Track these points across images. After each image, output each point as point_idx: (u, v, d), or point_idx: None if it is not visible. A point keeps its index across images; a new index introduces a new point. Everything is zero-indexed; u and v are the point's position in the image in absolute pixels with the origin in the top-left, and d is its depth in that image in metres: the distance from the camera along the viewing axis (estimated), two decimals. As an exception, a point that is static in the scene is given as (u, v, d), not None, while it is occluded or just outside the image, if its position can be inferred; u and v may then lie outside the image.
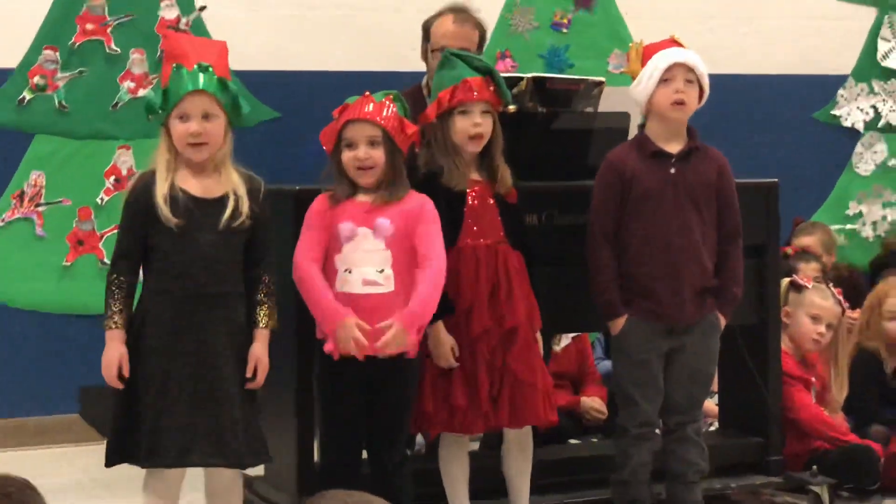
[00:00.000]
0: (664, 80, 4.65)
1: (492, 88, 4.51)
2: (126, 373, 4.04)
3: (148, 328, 4.08)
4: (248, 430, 4.12)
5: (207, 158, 4.10)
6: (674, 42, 4.74)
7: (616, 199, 4.66)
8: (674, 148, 4.69)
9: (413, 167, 4.51)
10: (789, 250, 6.55)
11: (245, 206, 4.10)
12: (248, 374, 4.11)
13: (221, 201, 4.09)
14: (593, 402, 5.95)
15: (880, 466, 5.37)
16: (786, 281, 5.57)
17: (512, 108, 4.63)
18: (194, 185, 4.09)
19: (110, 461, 4.13)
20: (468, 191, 4.50)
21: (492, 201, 4.53)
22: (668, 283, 4.63)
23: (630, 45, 4.84)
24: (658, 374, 4.71)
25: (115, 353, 4.04)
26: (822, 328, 5.51)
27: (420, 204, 4.33)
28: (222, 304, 4.11)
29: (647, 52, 4.73)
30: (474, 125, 4.47)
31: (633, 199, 4.64)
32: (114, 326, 4.05)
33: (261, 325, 4.16)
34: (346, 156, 4.30)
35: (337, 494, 2.43)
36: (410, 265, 4.30)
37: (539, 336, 4.62)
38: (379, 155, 4.28)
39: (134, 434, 4.06)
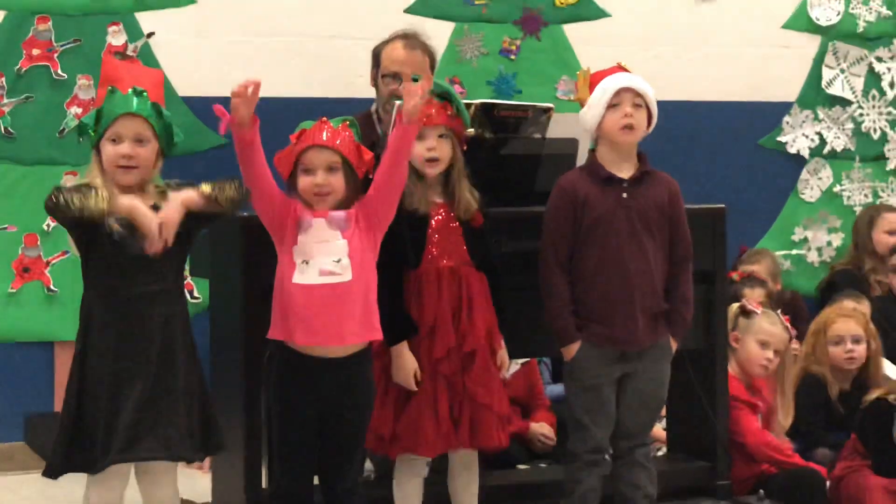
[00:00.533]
0: (612, 104, 4.68)
1: (449, 112, 4.53)
2: None
3: (93, 332, 4.07)
4: (190, 426, 4.10)
5: (135, 182, 4.10)
6: (620, 68, 4.78)
7: (568, 225, 4.68)
8: (625, 173, 4.71)
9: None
10: (735, 276, 6.59)
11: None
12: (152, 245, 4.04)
13: (153, 210, 4.07)
14: (542, 429, 5.95)
15: (826, 489, 5.39)
16: (735, 306, 5.60)
17: (471, 131, 4.64)
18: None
19: (56, 471, 4.08)
20: (431, 213, 4.51)
21: (455, 224, 4.55)
22: (621, 307, 4.65)
23: (578, 72, 4.86)
24: (609, 400, 4.72)
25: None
26: (771, 354, 5.56)
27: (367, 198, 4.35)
28: (164, 301, 4.10)
29: (595, 79, 4.76)
30: (428, 149, 4.49)
31: (585, 225, 4.66)
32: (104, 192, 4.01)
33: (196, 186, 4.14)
34: (304, 181, 4.29)
35: None
36: (368, 252, 4.29)
37: (504, 355, 4.63)
38: (337, 181, 4.27)
39: (81, 443, 4.04)
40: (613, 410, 4.73)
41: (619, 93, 4.68)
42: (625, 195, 4.68)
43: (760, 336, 5.56)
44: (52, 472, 4.10)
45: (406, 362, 4.45)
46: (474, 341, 4.51)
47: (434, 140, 4.50)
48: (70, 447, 4.07)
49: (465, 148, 4.59)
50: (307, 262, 4.24)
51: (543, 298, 4.69)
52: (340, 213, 4.27)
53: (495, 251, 4.69)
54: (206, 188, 4.13)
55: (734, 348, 5.55)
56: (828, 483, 5.42)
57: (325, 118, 4.33)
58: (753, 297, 6.19)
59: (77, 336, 4.16)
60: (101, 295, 4.09)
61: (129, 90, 4.10)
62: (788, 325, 5.68)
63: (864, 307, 6.41)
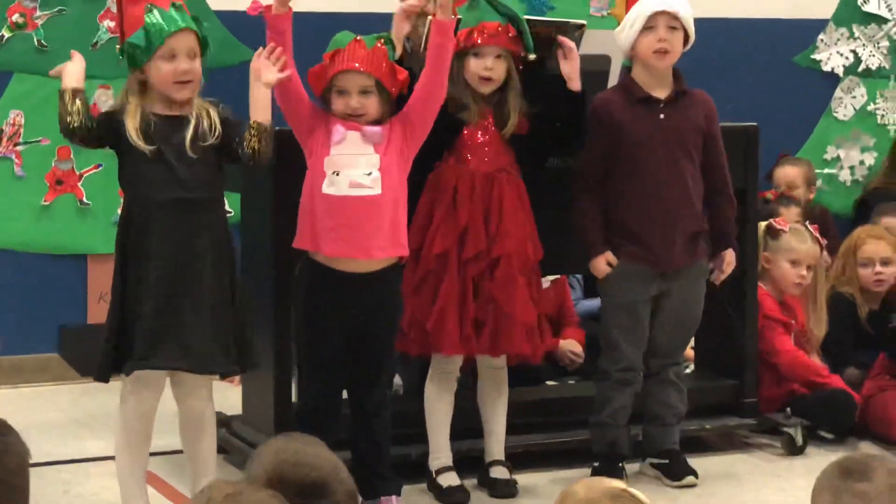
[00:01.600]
0: (647, 27, 4.66)
1: (511, 35, 4.52)
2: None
3: (132, 234, 4.11)
4: (222, 341, 4.14)
5: (189, 97, 4.11)
6: None
7: (601, 147, 4.67)
8: (661, 93, 4.69)
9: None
10: (769, 195, 6.57)
11: (216, 121, 4.13)
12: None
13: (188, 119, 4.10)
14: (571, 346, 5.97)
15: (856, 412, 5.41)
16: (762, 226, 5.59)
17: (532, 56, 4.64)
18: (162, 109, 4.12)
19: (102, 375, 4.15)
20: (470, 124, 4.54)
21: (497, 135, 4.57)
22: (659, 229, 4.66)
23: None
24: (644, 320, 4.74)
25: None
26: (804, 271, 5.53)
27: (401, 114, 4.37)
28: (202, 210, 4.14)
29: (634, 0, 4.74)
30: (485, 68, 4.51)
31: (622, 147, 4.65)
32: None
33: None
34: (338, 103, 4.32)
35: (279, 444, 2.43)
36: (399, 169, 4.33)
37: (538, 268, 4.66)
38: (371, 103, 4.30)
39: (123, 346, 4.09)
40: (647, 329, 4.75)
41: (654, 16, 4.65)
42: (662, 116, 4.66)
43: (791, 255, 5.53)
44: (99, 376, 4.16)
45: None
46: (501, 247, 4.53)
47: (491, 60, 4.53)
48: (113, 350, 4.11)
49: (521, 68, 4.59)
50: (337, 174, 4.26)
51: (574, 216, 4.69)
52: (375, 128, 4.28)
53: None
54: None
55: (766, 269, 5.54)
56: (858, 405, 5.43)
57: (359, 37, 4.32)
58: (789, 216, 6.17)
59: (116, 243, 4.18)
60: (139, 202, 4.12)
61: (170, 6, 4.11)
62: (818, 235, 5.65)
63: None
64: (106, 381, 4.16)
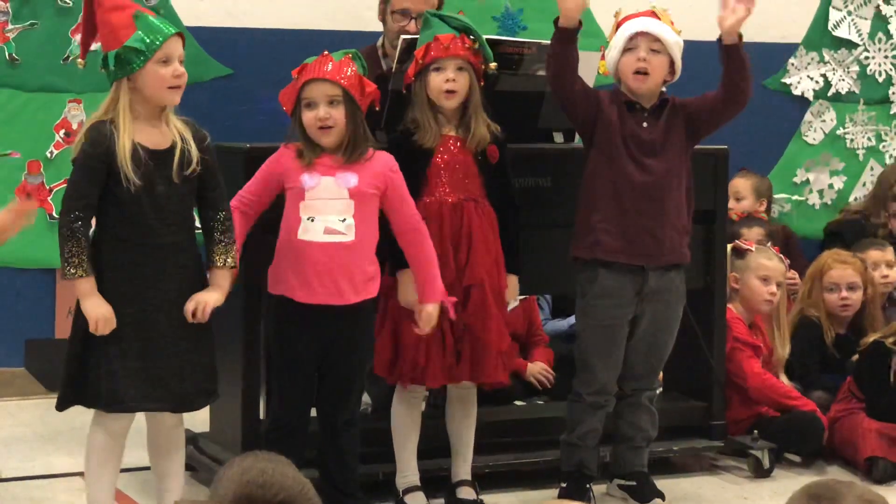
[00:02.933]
0: (628, 48, 4.67)
1: (468, 45, 4.53)
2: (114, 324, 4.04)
3: (104, 273, 4.08)
4: (197, 373, 4.14)
5: (177, 102, 4.12)
6: (653, 14, 4.75)
7: (593, 93, 4.70)
8: (646, 104, 4.70)
9: (377, 125, 4.59)
10: (734, 216, 6.60)
11: (194, 152, 4.10)
12: (188, 316, 4.07)
13: (171, 152, 4.09)
14: (539, 369, 5.97)
15: (824, 434, 5.42)
16: (728, 247, 5.60)
17: (493, 65, 4.64)
18: (147, 138, 4.08)
19: (63, 404, 4.13)
20: (439, 147, 4.53)
21: (467, 158, 4.56)
22: (641, 220, 4.65)
23: (615, 13, 4.84)
24: (621, 342, 4.74)
25: (103, 306, 4.01)
26: (773, 288, 5.56)
27: (387, 171, 4.37)
28: (175, 253, 4.12)
29: (622, 22, 4.75)
30: (446, 81, 4.50)
31: (606, 144, 4.64)
32: (84, 274, 4.01)
33: (217, 264, 4.16)
34: (307, 116, 4.31)
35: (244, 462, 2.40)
36: (371, 217, 4.34)
37: (508, 292, 4.67)
38: (339, 114, 4.29)
39: (87, 377, 4.07)
40: (622, 352, 4.74)
41: (634, 37, 4.67)
42: (645, 124, 4.67)
43: (760, 272, 5.56)
44: (59, 405, 4.14)
45: (408, 288, 4.47)
46: (473, 277, 4.53)
47: (453, 72, 4.52)
48: (77, 381, 4.09)
49: (482, 83, 4.60)
50: (312, 220, 4.28)
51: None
52: (350, 174, 4.28)
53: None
54: (227, 262, 4.16)
55: (735, 289, 5.57)
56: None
57: (326, 51, 4.33)
58: (750, 235, 6.21)
59: None
60: (113, 241, 4.09)
61: (153, 14, 4.12)
62: (781, 256, 5.72)
63: (889, 254, 6.35)
64: (62, 410, 4.14)
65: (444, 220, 4.53)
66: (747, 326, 5.57)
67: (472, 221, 4.55)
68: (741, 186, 6.94)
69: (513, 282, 4.68)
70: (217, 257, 4.16)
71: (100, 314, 4.01)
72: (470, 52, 4.55)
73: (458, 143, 4.57)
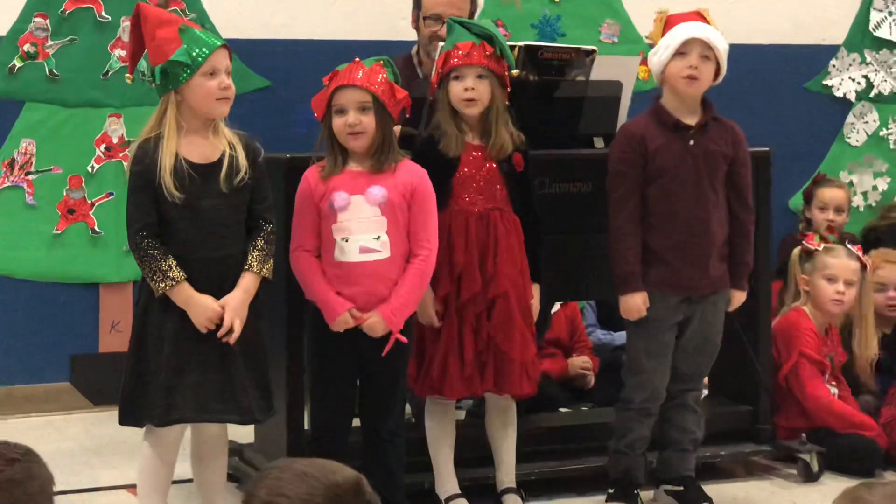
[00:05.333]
0: (680, 53, 4.64)
1: (488, 53, 4.50)
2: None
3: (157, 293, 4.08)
4: (257, 386, 4.16)
5: (225, 114, 4.14)
6: (699, 16, 4.73)
7: (638, 171, 4.63)
8: (691, 120, 4.66)
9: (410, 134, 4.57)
10: (825, 233, 6.45)
11: (242, 160, 4.11)
12: (222, 332, 4.08)
13: (220, 164, 4.10)
14: (581, 362, 5.96)
15: (881, 456, 5.31)
16: (796, 251, 5.52)
17: (515, 72, 4.62)
18: (194, 152, 4.09)
19: (123, 420, 4.15)
20: (462, 157, 4.51)
21: (493, 166, 4.54)
22: (688, 254, 4.62)
23: (656, 12, 4.82)
24: (670, 346, 4.71)
25: (201, 307, 4.04)
26: (841, 286, 5.43)
27: (416, 180, 4.35)
28: (228, 266, 4.13)
29: (670, 22, 4.72)
30: (465, 89, 4.48)
31: (653, 171, 4.62)
32: (173, 283, 4.03)
33: (251, 267, 4.15)
34: (337, 122, 4.31)
35: (291, 464, 2.37)
36: (405, 231, 4.33)
37: (534, 303, 4.62)
38: (369, 120, 4.28)
39: (144, 396, 4.08)
40: (671, 356, 4.71)
41: (687, 42, 4.62)
42: (692, 142, 4.64)
43: (826, 271, 5.43)
44: (121, 420, 4.16)
45: (427, 300, 4.46)
46: (498, 288, 4.51)
47: (472, 80, 4.49)
48: (134, 398, 4.11)
49: (508, 89, 4.57)
50: (347, 240, 4.27)
51: (612, 244, 4.64)
52: (379, 190, 4.27)
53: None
54: (262, 270, 4.16)
55: (806, 291, 5.46)
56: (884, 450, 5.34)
57: (357, 58, 4.33)
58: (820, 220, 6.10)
59: (139, 290, 4.19)
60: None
61: (199, 28, 4.15)
62: (860, 254, 5.54)
63: None
64: (124, 424, 4.18)
65: (470, 230, 4.50)
66: (821, 333, 5.44)
67: (497, 231, 4.53)
68: (841, 199, 6.78)
69: (535, 291, 4.65)
70: (255, 262, 4.15)
71: (202, 319, 4.04)
72: (491, 59, 4.52)
73: (482, 152, 4.55)
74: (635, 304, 4.64)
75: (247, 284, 4.14)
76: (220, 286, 4.11)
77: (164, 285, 4.03)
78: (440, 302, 4.50)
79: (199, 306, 4.05)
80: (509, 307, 4.52)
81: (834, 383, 5.46)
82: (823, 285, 5.44)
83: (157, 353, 4.07)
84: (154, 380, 4.06)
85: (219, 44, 4.11)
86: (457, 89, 4.50)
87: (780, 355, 5.43)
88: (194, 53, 4.06)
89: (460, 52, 4.49)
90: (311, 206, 4.33)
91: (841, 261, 5.46)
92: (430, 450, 4.66)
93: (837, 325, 5.62)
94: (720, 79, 4.72)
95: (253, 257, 4.15)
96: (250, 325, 4.15)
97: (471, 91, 4.48)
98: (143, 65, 4.26)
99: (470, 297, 4.48)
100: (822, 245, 5.52)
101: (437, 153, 4.49)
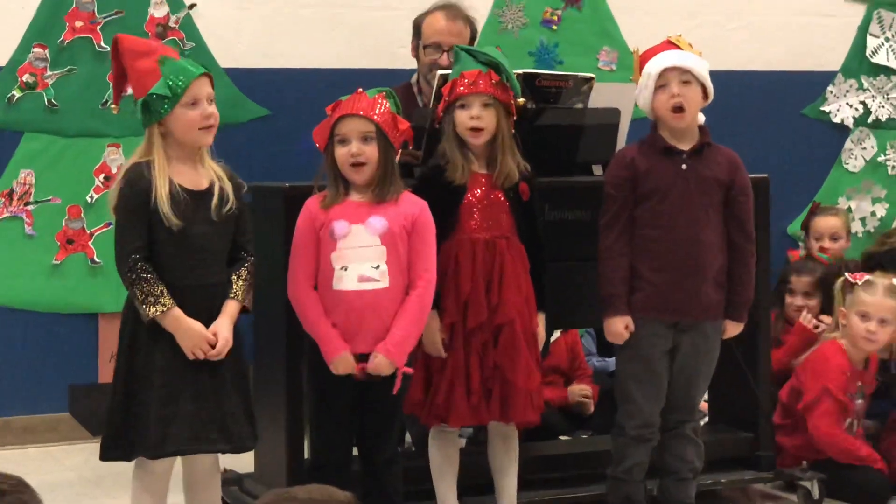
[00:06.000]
0: (660, 86, 4.64)
1: (494, 81, 4.51)
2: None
3: (144, 323, 4.07)
4: (245, 413, 4.16)
5: (210, 143, 4.13)
6: (669, 44, 4.72)
7: (627, 193, 4.63)
8: (685, 145, 4.67)
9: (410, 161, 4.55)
10: (829, 258, 6.41)
11: (231, 193, 4.13)
12: (215, 356, 4.08)
13: (209, 192, 4.11)
14: (581, 389, 5.96)
15: (888, 490, 5.28)
16: (839, 282, 5.45)
17: (521, 101, 4.63)
18: (185, 179, 4.10)
19: (107, 456, 4.12)
20: (469, 185, 4.51)
21: (499, 195, 4.54)
22: (674, 277, 4.61)
23: (633, 51, 4.83)
24: (662, 372, 4.69)
25: (191, 332, 4.03)
26: (873, 325, 5.31)
27: (416, 211, 4.34)
28: (215, 295, 4.13)
29: (644, 59, 4.72)
30: (471, 118, 4.48)
31: (643, 193, 4.62)
32: (163, 309, 4.01)
33: (237, 296, 4.15)
34: (340, 152, 4.30)
35: (292, 492, 2.37)
36: (405, 262, 4.32)
37: (539, 332, 4.61)
38: (372, 151, 4.28)
39: (132, 429, 4.06)
40: (664, 383, 4.70)
41: (663, 73, 4.63)
42: (684, 167, 4.64)
43: (860, 308, 5.33)
44: (102, 456, 4.13)
45: (432, 330, 4.46)
46: (504, 316, 4.50)
47: (478, 109, 4.49)
48: (119, 435, 4.09)
49: (514, 118, 4.58)
50: (346, 269, 4.26)
51: (599, 266, 4.63)
52: (379, 220, 4.27)
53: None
54: (244, 299, 4.18)
55: (843, 324, 5.37)
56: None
57: (360, 88, 4.33)
58: (799, 286, 6.05)
59: (125, 321, 4.18)
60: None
61: (179, 57, 4.13)
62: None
63: None
64: (107, 460, 4.14)
65: (476, 258, 4.50)
66: (858, 366, 5.35)
67: (504, 259, 4.52)
68: (838, 226, 6.70)
69: (540, 320, 4.65)
70: (240, 292, 4.17)
71: (191, 345, 4.03)
72: (497, 88, 4.53)
73: (488, 180, 4.55)
74: (616, 328, 4.64)
75: (232, 312, 4.15)
76: (207, 314, 4.10)
77: (154, 310, 4.01)
78: (446, 330, 4.50)
79: (191, 332, 4.04)
80: (515, 335, 4.51)
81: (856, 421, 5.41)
82: (856, 322, 5.34)
83: (147, 385, 4.05)
84: (145, 412, 4.04)
85: (198, 73, 4.09)
86: (463, 118, 4.50)
87: (803, 382, 5.38)
88: (173, 84, 4.05)
89: (466, 81, 4.49)
90: (312, 236, 4.32)
91: (876, 298, 5.35)
92: (433, 477, 4.65)
93: (886, 354, 5.55)
94: (710, 99, 4.71)
95: (238, 287, 4.16)
96: (236, 352, 4.16)
97: (476, 120, 4.49)
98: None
99: (476, 325, 4.48)
100: (864, 279, 5.40)
101: (443, 181, 4.49)
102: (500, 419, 4.57)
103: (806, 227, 6.84)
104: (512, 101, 4.55)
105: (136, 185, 4.06)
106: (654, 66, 4.64)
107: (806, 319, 5.85)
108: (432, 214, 4.40)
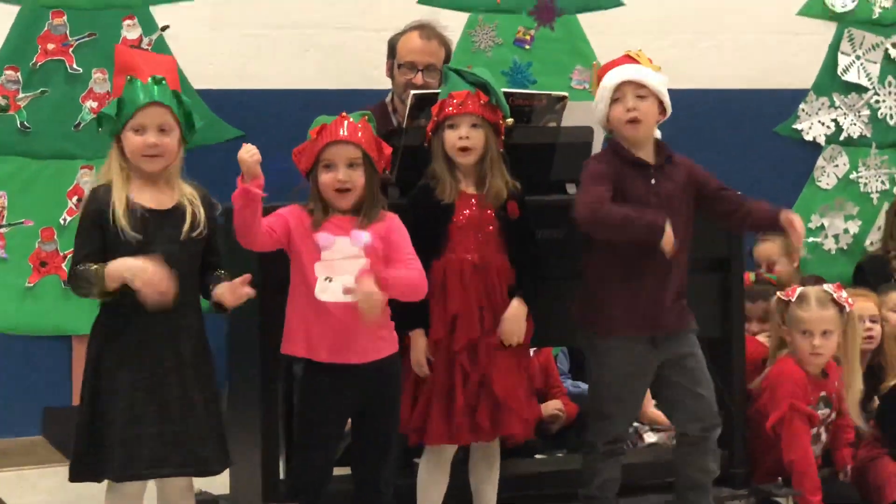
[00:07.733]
0: (615, 99, 4.66)
1: (483, 102, 4.53)
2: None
3: (110, 343, 4.06)
4: (213, 437, 4.13)
5: (161, 170, 4.10)
6: (628, 58, 4.75)
7: (613, 172, 4.61)
8: (649, 159, 4.68)
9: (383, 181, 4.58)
10: (752, 276, 6.47)
11: (202, 215, 4.12)
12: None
13: (175, 212, 4.10)
14: (554, 404, 5.96)
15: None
16: (774, 300, 5.43)
17: (510, 121, 4.65)
18: (148, 198, 4.09)
19: (76, 477, 4.10)
20: (457, 204, 4.53)
21: (488, 214, 4.55)
22: (649, 293, 4.62)
23: (593, 65, 4.85)
24: (640, 391, 4.70)
25: (128, 263, 3.97)
26: (817, 340, 5.25)
27: (387, 220, 4.35)
28: (181, 315, 4.10)
29: (602, 72, 4.75)
30: (459, 138, 4.50)
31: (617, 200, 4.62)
32: (96, 273, 3.98)
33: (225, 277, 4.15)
34: (325, 177, 4.29)
35: None
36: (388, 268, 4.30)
37: (517, 313, 4.60)
38: (358, 177, 4.28)
39: (100, 450, 4.04)
40: (640, 402, 4.71)
41: (619, 87, 4.65)
42: (653, 181, 4.65)
43: (800, 326, 5.28)
44: (72, 477, 4.12)
45: (418, 349, 4.45)
46: (493, 336, 4.53)
47: (466, 129, 4.52)
48: (86, 457, 4.08)
49: (503, 137, 4.59)
50: (330, 280, 4.25)
51: (618, 229, 4.54)
52: (363, 233, 4.26)
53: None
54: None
55: (789, 342, 5.34)
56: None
57: (344, 113, 4.33)
58: (754, 311, 6.02)
59: (90, 341, 4.18)
60: (119, 304, 4.07)
61: (149, 79, 4.10)
62: (841, 293, 5.34)
63: None
64: (76, 481, 4.12)
65: (466, 278, 4.52)
66: (816, 376, 5.31)
67: (493, 279, 4.55)
68: (771, 251, 6.67)
69: (522, 308, 4.61)
70: (223, 279, 4.15)
71: (131, 274, 3.95)
72: (486, 108, 4.55)
73: (477, 200, 4.56)
74: (670, 237, 4.51)
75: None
76: (174, 336, 4.09)
77: (94, 289, 3.99)
78: (431, 346, 4.49)
79: (126, 269, 3.96)
80: (507, 355, 4.54)
81: (823, 430, 5.42)
82: (800, 340, 5.28)
83: (112, 405, 4.04)
84: (110, 433, 4.03)
85: (144, 102, 4.07)
86: (451, 138, 4.52)
87: (766, 404, 5.34)
88: (123, 108, 4.07)
89: (455, 101, 4.53)
90: (285, 223, 4.28)
91: (812, 313, 5.29)
92: (418, 496, 4.66)
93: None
94: (668, 114, 4.72)
95: (226, 274, 4.16)
96: (208, 371, 4.14)
97: (465, 140, 4.51)
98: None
99: (465, 344, 4.49)
100: (796, 295, 5.35)
101: (431, 201, 4.51)
102: (491, 437, 4.58)
103: (751, 254, 6.86)
104: (500, 122, 4.57)
105: (93, 203, 4.08)
106: (610, 80, 4.67)
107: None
108: (422, 234, 4.41)
